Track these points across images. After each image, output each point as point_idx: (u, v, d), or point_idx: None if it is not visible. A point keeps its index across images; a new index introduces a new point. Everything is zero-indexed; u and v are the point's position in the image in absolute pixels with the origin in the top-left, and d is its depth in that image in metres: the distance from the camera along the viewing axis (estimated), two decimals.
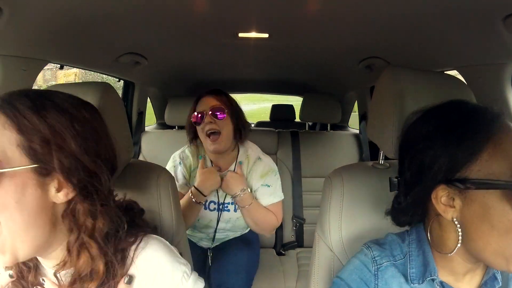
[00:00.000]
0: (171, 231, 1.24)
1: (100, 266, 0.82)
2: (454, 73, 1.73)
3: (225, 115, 1.93)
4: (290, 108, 5.31)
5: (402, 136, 0.95)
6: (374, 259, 0.94)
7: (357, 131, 3.51)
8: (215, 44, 2.22)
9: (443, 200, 0.81)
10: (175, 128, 3.11)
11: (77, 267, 0.81)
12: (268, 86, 4.59)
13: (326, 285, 1.22)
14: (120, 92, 3.15)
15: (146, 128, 3.53)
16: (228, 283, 1.86)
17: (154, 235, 0.96)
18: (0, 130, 0.72)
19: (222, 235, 2.10)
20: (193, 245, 2.09)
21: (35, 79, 1.59)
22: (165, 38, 2.03)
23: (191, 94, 3.59)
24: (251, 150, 2.10)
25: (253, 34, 1.90)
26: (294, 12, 1.52)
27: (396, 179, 0.96)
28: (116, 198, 0.94)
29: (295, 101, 4.61)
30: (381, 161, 1.30)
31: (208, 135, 1.91)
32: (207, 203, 2.00)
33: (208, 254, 2.05)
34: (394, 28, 1.61)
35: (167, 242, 0.97)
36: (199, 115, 1.93)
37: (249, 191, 1.95)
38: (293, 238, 2.74)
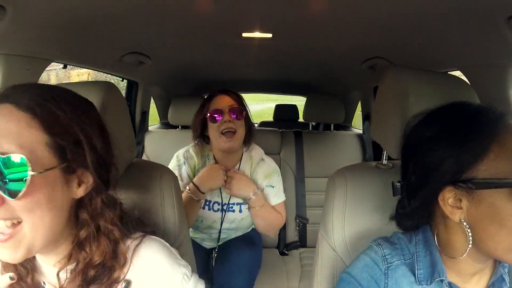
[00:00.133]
0: (174, 230, 1.24)
1: (122, 248, 0.87)
2: (458, 74, 1.72)
3: (243, 115, 1.95)
4: (293, 108, 5.30)
5: (405, 139, 0.95)
6: (384, 258, 0.93)
7: (361, 131, 3.51)
8: (218, 44, 2.23)
9: (450, 201, 0.81)
10: (178, 127, 3.11)
11: (90, 256, 0.82)
12: (271, 86, 4.59)
13: (329, 285, 1.22)
14: (123, 92, 3.16)
15: (150, 128, 3.53)
16: (231, 283, 1.86)
17: (153, 236, 0.95)
18: (26, 130, 0.71)
19: (225, 235, 2.10)
20: (195, 245, 2.08)
21: (39, 78, 1.59)
22: (169, 38, 2.03)
23: (195, 94, 3.60)
24: (254, 151, 2.11)
25: (257, 34, 1.90)
26: (298, 12, 1.51)
27: (399, 184, 0.96)
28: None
29: (299, 101, 4.60)
30: (385, 161, 1.29)
31: (223, 133, 1.91)
32: (210, 204, 2.00)
33: (213, 254, 2.05)
34: (397, 28, 1.61)
35: (167, 244, 0.96)
36: (216, 114, 1.93)
37: (260, 192, 1.96)
38: (296, 238, 2.73)
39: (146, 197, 1.20)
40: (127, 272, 0.86)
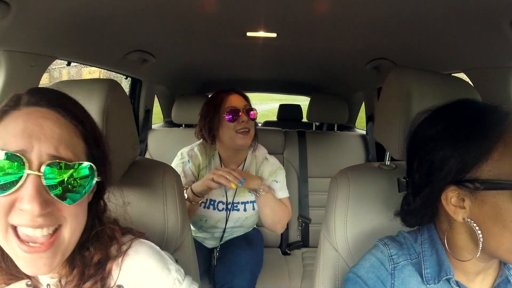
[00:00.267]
0: (176, 228, 1.24)
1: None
2: (461, 76, 1.72)
3: (255, 117, 2.00)
4: (297, 108, 5.30)
5: (410, 137, 0.94)
6: (391, 258, 0.93)
7: (364, 132, 3.50)
8: (223, 43, 2.23)
9: (453, 201, 0.80)
10: (181, 126, 3.11)
11: (91, 256, 0.82)
12: (275, 85, 4.59)
13: (331, 285, 1.22)
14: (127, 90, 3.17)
15: (153, 126, 3.53)
16: (232, 283, 1.86)
17: (143, 240, 0.93)
18: (74, 138, 0.73)
19: (227, 234, 2.10)
20: (197, 245, 2.08)
21: (42, 75, 1.59)
22: (173, 36, 2.03)
23: (199, 92, 3.60)
24: (258, 151, 2.11)
25: (261, 34, 1.90)
26: (302, 12, 1.51)
27: (404, 180, 0.96)
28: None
29: (303, 101, 4.60)
30: (387, 162, 1.29)
31: (238, 132, 1.92)
32: (215, 203, 2.00)
33: (214, 253, 2.05)
34: (401, 29, 1.60)
35: (157, 247, 0.94)
36: (233, 113, 1.92)
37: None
38: (299, 238, 2.73)
39: (149, 195, 1.20)
40: (117, 278, 0.85)
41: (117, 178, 1.04)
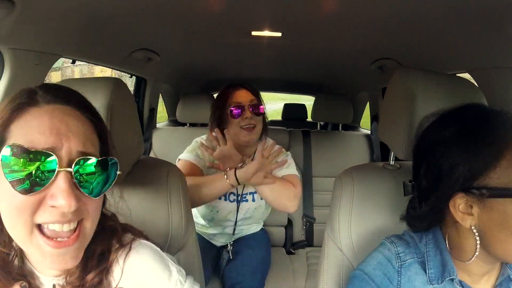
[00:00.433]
0: (180, 228, 1.24)
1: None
2: (467, 76, 1.71)
3: (263, 112, 1.97)
4: (302, 107, 5.30)
5: (417, 141, 0.94)
6: (398, 255, 0.93)
7: (368, 132, 3.50)
8: (228, 42, 2.23)
9: (461, 208, 0.80)
10: (186, 125, 3.11)
11: (93, 249, 0.82)
12: (280, 85, 4.59)
13: (335, 285, 1.22)
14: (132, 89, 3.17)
15: (158, 125, 3.54)
16: (243, 283, 1.87)
17: (143, 241, 0.93)
18: (93, 135, 0.75)
19: (237, 230, 2.10)
20: (205, 244, 2.10)
21: (47, 73, 1.59)
22: (178, 35, 2.03)
23: (203, 91, 3.60)
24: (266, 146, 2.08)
25: (266, 33, 1.90)
26: (308, 12, 1.51)
27: (410, 183, 0.95)
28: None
29: (308, 101, 4.59)
30: (392, 162, 1.29)
31: (242, 127, 1.90)
32: (227, 195, 1.99)
33: (228, 248, 2.05)
34: (406, 29, 1.60)
35: (158, 249, 0.93)
36: (237, 109, 1.90)
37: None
38: (303, 237, 2.73)
39: (153, 194, 1.21)
40: (119, 280, 0.84)
41: (121, 176, 1.05)
